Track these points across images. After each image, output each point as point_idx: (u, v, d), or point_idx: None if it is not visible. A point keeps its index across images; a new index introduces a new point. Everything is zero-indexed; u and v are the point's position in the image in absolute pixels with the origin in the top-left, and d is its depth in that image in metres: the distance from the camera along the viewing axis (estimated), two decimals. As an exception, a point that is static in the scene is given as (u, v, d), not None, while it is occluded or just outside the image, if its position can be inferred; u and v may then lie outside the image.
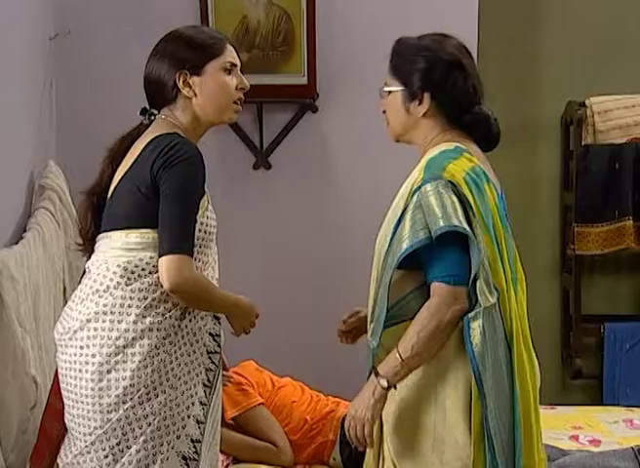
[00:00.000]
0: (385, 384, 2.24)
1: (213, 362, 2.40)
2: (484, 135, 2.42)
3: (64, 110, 3.83)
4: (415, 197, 2.27)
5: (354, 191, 4.01)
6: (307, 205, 4.05)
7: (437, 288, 2.25)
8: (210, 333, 2.40)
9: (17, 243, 3.02)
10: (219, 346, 2.42)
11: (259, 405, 3.29)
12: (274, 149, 4.02)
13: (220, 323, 2.44)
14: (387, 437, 2.36)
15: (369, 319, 2.39)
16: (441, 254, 2.23)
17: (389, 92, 2.44)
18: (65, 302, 3.19)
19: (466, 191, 2.26)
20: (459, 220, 2.21)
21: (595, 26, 4.48)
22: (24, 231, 3.13)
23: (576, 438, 3.50)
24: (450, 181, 2.25)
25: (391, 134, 2.48)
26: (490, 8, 4.19)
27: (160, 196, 2.28)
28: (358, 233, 3.87)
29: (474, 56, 2.50)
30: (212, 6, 3.81)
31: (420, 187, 2.26)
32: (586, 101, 4.31)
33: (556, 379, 4.47)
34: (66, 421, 2.38)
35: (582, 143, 4.31)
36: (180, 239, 2.26)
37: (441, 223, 2.20)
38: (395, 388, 2.27)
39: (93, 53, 3.89)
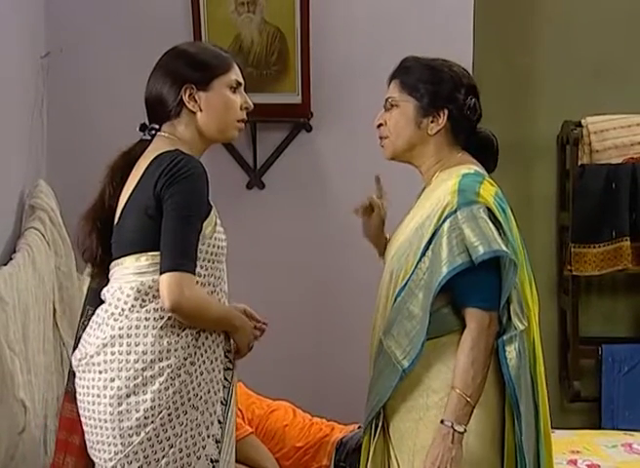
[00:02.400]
0: (462, 428, 2.22)
1: (226, 378, 2.37)
2: (490, 156, 2.46)
3: (56, 129, 3.81)
4: (448, 221, 2.27)
5: (350, 211, 3.92)
6: (302, 225, 4.02)
7: (475, 314, 2.26)
8: (224, 349, 2.37)
9: (6, 264, 3.01)
10: (231, 362, 2.39)
11: (248, 435, 3.21)
12: (268, 169, 3.99)
13: (230, 338, 2.41)
14: (413, 460, 2.32)
15: (383, 335, 2.37)
16: (477, 280, 2.25)
17: (394, 104, 2.42)
18: (56, 324, 3.28)
19: (499, 216, 2.29)
20: (499, 245, 2.23)
21: (591, 46, 4.48)
22: (14, 252, 3.12)
23: (574, 462, 3.46)
24: (486, 207, 2.28)
25: (390, 148, 2.46)
26: (485, 27, 4.18)
27: (163, 213, 2.25)
28: (354, 253, 3.85)
29: (470, 75, 2.51)
30: (205, 25, 3.80)
31: (455, 211, 2.27)
32: (582, 121, 4.31)
33: (554, 402, 4.38)
34: (88, 449, 2.34)
35: (579, 163, 4.30)
36: (181, 256, 2.22)
37: (482, 250, 2.21)
38: (465, 431, 2.25)
39: (84, 71, 3.87)
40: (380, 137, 2.47)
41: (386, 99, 2.45)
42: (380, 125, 2.46)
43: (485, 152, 2.45)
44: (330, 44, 3.89)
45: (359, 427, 3.17)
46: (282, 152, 3.98)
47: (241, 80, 2.44)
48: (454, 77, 2.40)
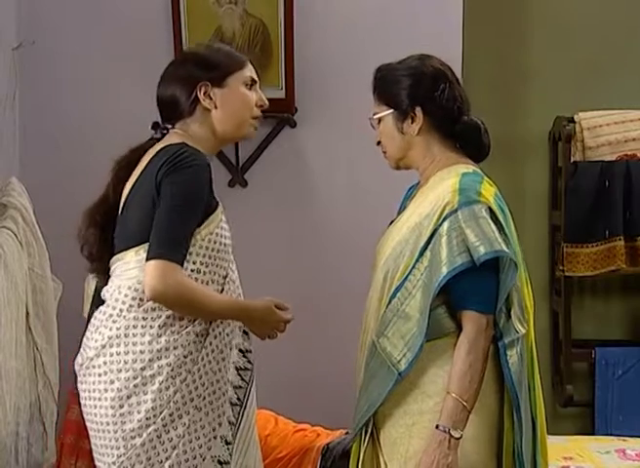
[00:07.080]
0: (459, 434, 2.21)
1: (243, 379, 2.37)
2: (476, 144, 2.44)
3: (28, 125, 3.76)
4: (448, 221, 2.27)
5: (335, 209, 3.94)
6: (286, 224, 3.96)
7: (472, 316, 2.25)
8: (239, 350, 2.38)
9: (-25, 265, 2.93)
10: (249, 362, 2.41)
11: None
12: (251, 166, 3.93)
13: (249, 338, 2.42)
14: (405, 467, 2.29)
15: (376, 337, 2.33)
16: (476, 282, 2.24)
17: (379, 119, 2.45)
18: (29, 328, 3.24)
19: (500, 216, 2.30)
20: (500, 245, 2.24)
21: (584, 40, 4.44)
22: (-17, 253, 3.05)
23: (566, 468, 3.45)
24: (488, 206, 2.28)
25: (391, 161, 2.50)
26: (475, 23, 4.15)
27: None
28: (340, 253, 3.84)
29: (459, 71, 2.58)
30: (184, 17, 3.74)
31: (455, 211, 2.27)
32: (575, 117, 4.26)
33: (546, 407, 4.33)
34: (93, 453, 2.36)
35: (571, 160, 4.25)
36: (169, 245, 2.23)
37: (483, 250, 2.22)
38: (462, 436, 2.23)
39: (58, 64, 3.81)
40: (383, 152, 2.50)
41: (370, 119, 2.48)
42: (378, 142, 2.50)
43: (473, 139, 2.43)
44: (315, 37, 3.84)
45: (346, 433, 3.14)
46: (265, 149, 3.92)
47: (256, 77, 2.48)
48: (415, 73, 2.41)
